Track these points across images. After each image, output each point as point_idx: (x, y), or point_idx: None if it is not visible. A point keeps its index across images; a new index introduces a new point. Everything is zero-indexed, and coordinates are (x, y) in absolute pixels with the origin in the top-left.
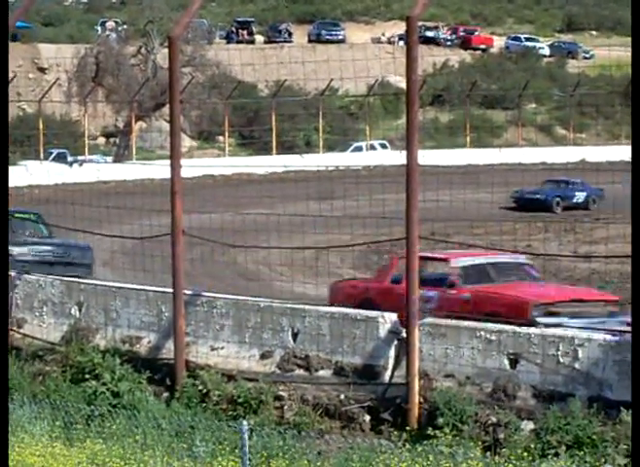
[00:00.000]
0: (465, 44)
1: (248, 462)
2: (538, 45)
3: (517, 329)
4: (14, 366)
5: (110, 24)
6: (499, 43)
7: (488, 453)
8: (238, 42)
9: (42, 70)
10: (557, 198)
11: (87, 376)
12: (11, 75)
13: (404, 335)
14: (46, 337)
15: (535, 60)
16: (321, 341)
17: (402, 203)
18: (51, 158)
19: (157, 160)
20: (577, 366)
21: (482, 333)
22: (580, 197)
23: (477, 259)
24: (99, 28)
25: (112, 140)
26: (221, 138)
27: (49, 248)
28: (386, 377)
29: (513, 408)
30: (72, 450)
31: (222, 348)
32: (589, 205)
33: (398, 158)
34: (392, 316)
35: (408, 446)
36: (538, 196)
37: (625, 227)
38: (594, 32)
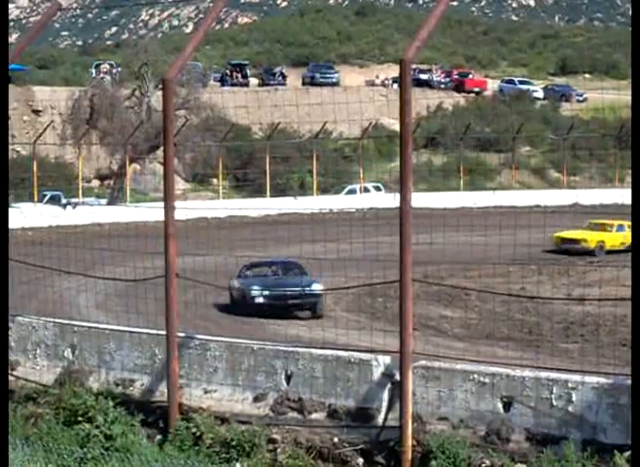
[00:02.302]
0: (459, 87)
1: None
2: (532, 88)
3: (511, 372)
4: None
5: (104, 67)
6: (493, 86)
7: None
8: (233, 85)
9: (36, 112)
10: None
11: (80, 418)
12: None
13: (397, 378)
14: (39, 379)
15: (529, 103)
16: (314, 384)
17: (395, 246)
18: (45, 200)
19: (151, 202)
20: (570, 409)
21: (476, 376)
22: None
23: None
24: (93, 71)
25: (106, 182)
26: (215, 181)
27: None
28: (380, 419)
29: (506, 451)
30: None
31: (215, 391)
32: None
33: (392, 200)
34: (386, 359)
35: None
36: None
37: (619, 270)
38: (588, 75)
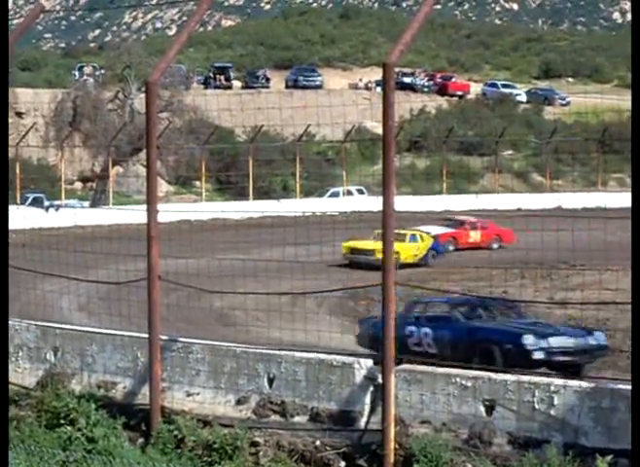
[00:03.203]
0: (442, 90)
1: None
2: (515, 91)
3: (493, 375)
4: None
5: (87, 69)
6: (476, 89)
7: None
8: (216, 87)
9: (19, 114)
10: None
11: (62, 421)
12: None
13: (379, 381)
14: (21, 381)
15: (512, 107)
16: (297, 387)
17: None
18: (27, 202)
19: (133, 204)
20: (552, 412)
21: (458, 379)
22: None
23: None
24: (77, 73)
25: (89, 185)
26: (198, 183)
27: None
28: (362, 423)
29: (488, 455)
30: None
31: (197, 394)
32: None
33: (375, 203)
34: (368, 362)
35: None
36: None
37: (601, 274)
38: (571, 79)
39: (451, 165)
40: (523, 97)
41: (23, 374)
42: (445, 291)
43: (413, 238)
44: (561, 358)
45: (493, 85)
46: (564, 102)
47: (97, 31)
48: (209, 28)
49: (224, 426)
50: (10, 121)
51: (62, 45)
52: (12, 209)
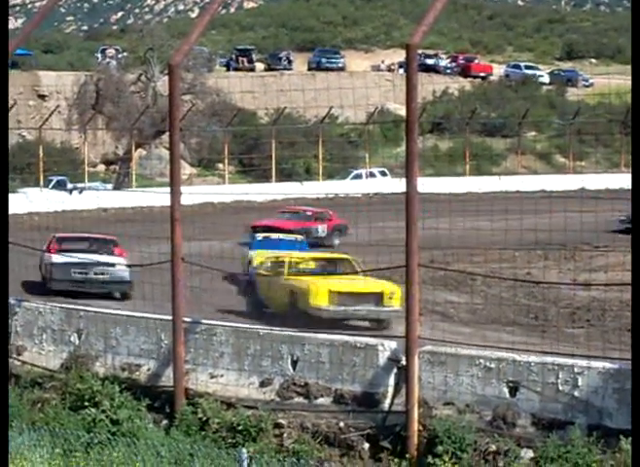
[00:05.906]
0: (465, 72)
1: None
2: (538, 73)
3: (517, 357)
4: (13, 393)
5: (110, 52)
6: (499, 71)
7: None
8: (238, 70)
9: (42, 97)
10: None
11: (86, 403)
12: (11, 102)
13: (403, 362)
14: (45, 364)
15: (535, 88)
16: (320, 369)
17: (402, 231)
18: (50, 185)
19: (156, 187)
20: (576, 394)
21: (482, 361)
22: None
23: None
24: (99, 56)
25: (112, 167)
26: (220, 166)
27: None
28: (386, 404)
29: (512, 436)
30: None
31: (221, 376)
32: None
33: (397, 185)
34: (392, 344)
35: None
36: None
37: (625, 255)
38: (594, 60)
39: (474, 147)
40: (546, 79)
41: (47, 356)
42: (470, 273)
43: None
44: None
45: (516, 66)
46: (587, 83)
47: (120, 14)
48: (232, 10)
49: (248, 408)
50: (33, 103)
51: (85, 27)
52: (35, 192)
